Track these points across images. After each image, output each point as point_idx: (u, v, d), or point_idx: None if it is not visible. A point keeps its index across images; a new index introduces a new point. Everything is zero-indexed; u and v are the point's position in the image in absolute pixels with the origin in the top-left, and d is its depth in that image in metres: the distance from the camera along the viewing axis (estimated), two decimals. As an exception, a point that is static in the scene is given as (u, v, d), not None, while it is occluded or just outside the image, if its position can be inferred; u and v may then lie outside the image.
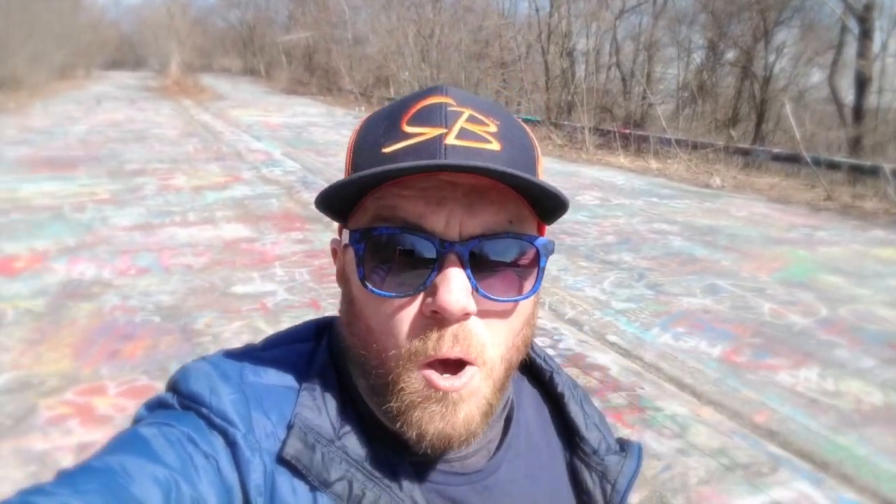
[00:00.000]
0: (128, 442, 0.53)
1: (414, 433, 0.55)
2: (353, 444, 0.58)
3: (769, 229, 7.96)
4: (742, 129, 18.26)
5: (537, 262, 0.58)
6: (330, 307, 4.76)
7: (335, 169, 10.87)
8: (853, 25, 15.15)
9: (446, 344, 0.54)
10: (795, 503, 2.80)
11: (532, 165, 0.60)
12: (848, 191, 10.39)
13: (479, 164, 0.52)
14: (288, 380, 0.62)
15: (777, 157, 13.11)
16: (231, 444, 0.55)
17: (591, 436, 0.73)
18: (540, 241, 0.58)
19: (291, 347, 0.66)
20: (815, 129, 17.26)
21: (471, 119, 0.57)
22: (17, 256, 5.80)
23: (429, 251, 0.55)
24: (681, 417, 3.45)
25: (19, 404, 3.40)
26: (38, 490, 0.46)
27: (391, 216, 0.56)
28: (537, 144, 0.63)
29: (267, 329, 4.38)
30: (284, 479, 0.55)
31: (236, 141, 14.39)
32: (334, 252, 0.67)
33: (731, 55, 18.30)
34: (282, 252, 6.17)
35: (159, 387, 3.12)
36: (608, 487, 0.71)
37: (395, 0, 28.42)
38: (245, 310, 4.76)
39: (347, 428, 0.59)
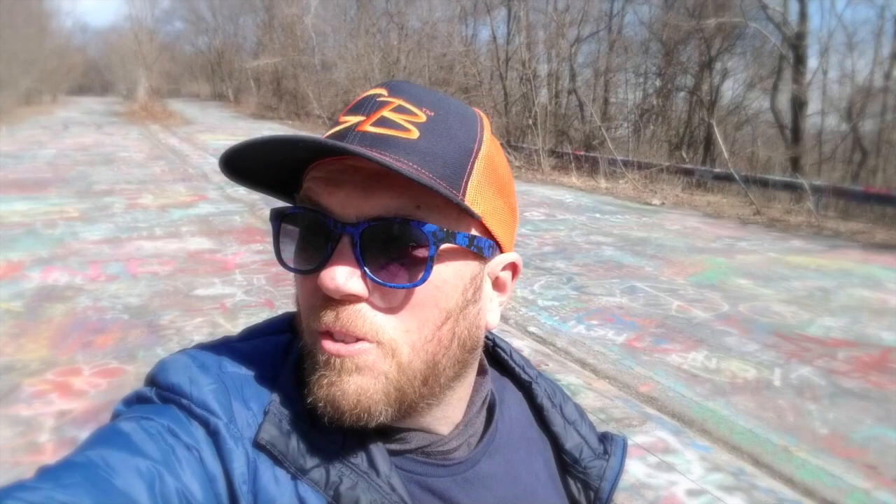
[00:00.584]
0: (108, 437, 0.53)
1: (310, 398, 0.57)
2: (328, 432, 0.59)
3: (696, 240, 8.73)
4: (693, 150, 19.27)
5: (428, 251, 0.57)
6: (284, 306, 5.34)
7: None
8: (788, 52, 16.22)
9: (327, 318, 0.56)
10: (651, 445, 3.46)
11: (460, 161, 0.59)
12: (778, 206, 11.27)
13: (340, 144, 0.53)
14: (266, 370, 0.63)
15: (717, 177, 13.99)
16: (213, 434, 0.56)
17: (571, 445, 0.74)
18: (430, 227, 0.56)
19: (267, 339, 0.67)
20: (765, 151, 18.36)
21: (398, 109, 0.59)
22: (2, 255, 6.30)
23: (325, 231, 0.56)
24: (574, 386, 4.11)
25: (5, 383, 3.94)
26: (20, 486, 0.46)
27: (304, 196, 0.59)
28: (484, 147, 0.62)
29: (225, 324, 4.96)
30: (266, 468, 0.56)
31: (203, 163, 14.92)
32: None
33: (680, 81, 19.31)
34: (242, 261, 6.76)
35: (129, 369, 3.77)
36: (591, 494, 0.74)
37: (361, 27, 29.34)
38: (206, 308, 5.33)
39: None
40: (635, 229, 9.33)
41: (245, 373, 0.62)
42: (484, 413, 0.70)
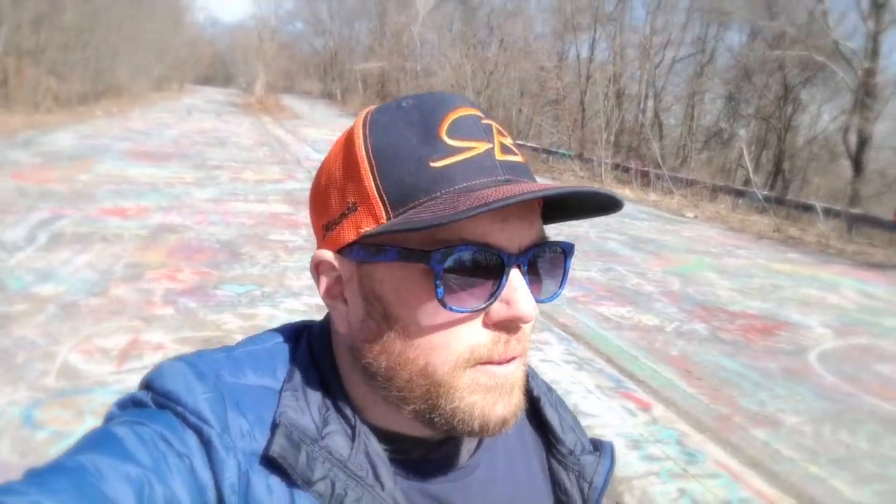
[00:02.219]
0: (99, 441, 0.54)
1: (477, 424, 0.60)
2: (335, 443, 0.61)
3: (698, 245, 10.19)
4: (765, 175, 20.21)
5: (564, 264, 0.65)
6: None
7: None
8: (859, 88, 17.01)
9: (512, 348, 0.60)
10: (535, 341, 5.20)
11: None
12: (799, 226, 12.43)
13: (570, 189, 0.58)
14: (266, 380, 0.64)
15: (767, 199, 15.13)
16: (205, 443, 0.57)
17: (566, 437, 0.78)
18: (566, 244, 0.64)
19: (269, 348, 0.69)
20: (828, 180, 19.10)
21: (499, 132, 0.62)
22: (128, 208, 8.68)
23: (496, 265, 0.58)
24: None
25: (135, 272, 6.12)
26: (7, 489, 0.47)
27: (462, 236, 0.58)
28: None
29: (287, 259, 7.01)
30: (259, 478, 0.58)
31: (299, 151, 17.42)
32: (318, 266, 0.66)
33: (753, 108, 20.30)
34: (308, 222, 8.86)
35: (214, 273, 5.97)
36: (585, 486, 0.77)
37: (462, 38, 31.59)
38: (274, 247, 7.44)
39: (330, 428, 0.62)
40: (651, 233, 10.85)
41: (243, 382, 0.63)
42: None
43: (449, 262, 0.57)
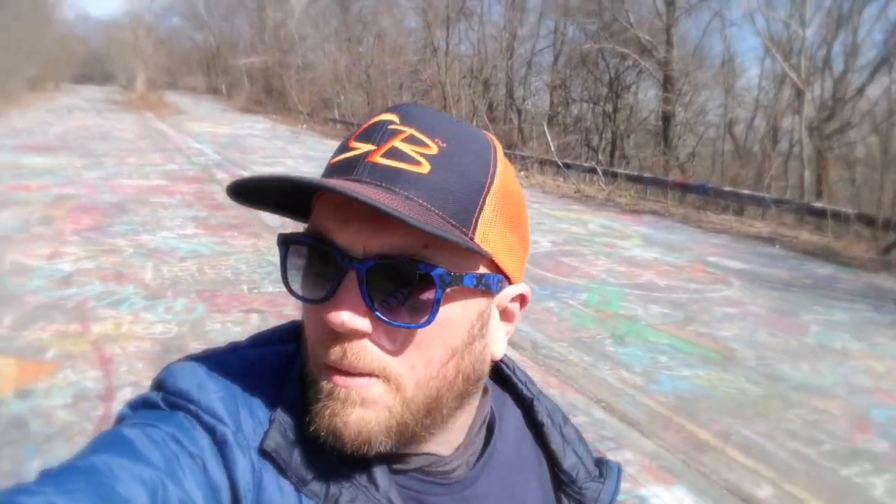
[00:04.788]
0: (111, 443, 0.55)
1: (312, 427, 0.60)
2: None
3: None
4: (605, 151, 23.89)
5: (434, 293, 0.58)
6: (191, 215, 9.97)
7: (251, 162, 16.12)
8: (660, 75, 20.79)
9: (335, 354, 0.58)
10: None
11: (471, 198, 0.61)
12: (595, 187, 15.87)
13: (338, 188, 0.54)
14: (273, 379, 0.66)
15: (567, 166, 18.57)
16: (219, 442, 0.58)
17: (568, 465, 0.78)
18: (437, 271, 0.58)
19: (274, 348, 0.70)
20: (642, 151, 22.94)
21: (409, 139, 0.60)
22: (30, 185, 10.97)
23: (332, 264, 0.58)
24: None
25: (46, 220, 8.54)
26: (22, 489, 0.48)
27: (312, 226, 0.61)
28: (497, 180, 0.64)
29: (162, 211, 9.54)
30: (271, 477, 0.59)
31: (181, 142, 19.68)
32: None
33: (588, 93, 23.94)
34: (183, 191, 11.40)
35: (106, 220, 8.62)
36: None
37: (337, 32, 34.18)
38: (153, 206, 9.95)
39: None
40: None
41: (252, 381, 0.64)
42: (483, 432, 0.73)
43: (291, 247, 0.62)
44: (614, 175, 17.24)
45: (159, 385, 0.63)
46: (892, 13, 16.75)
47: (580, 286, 7.43)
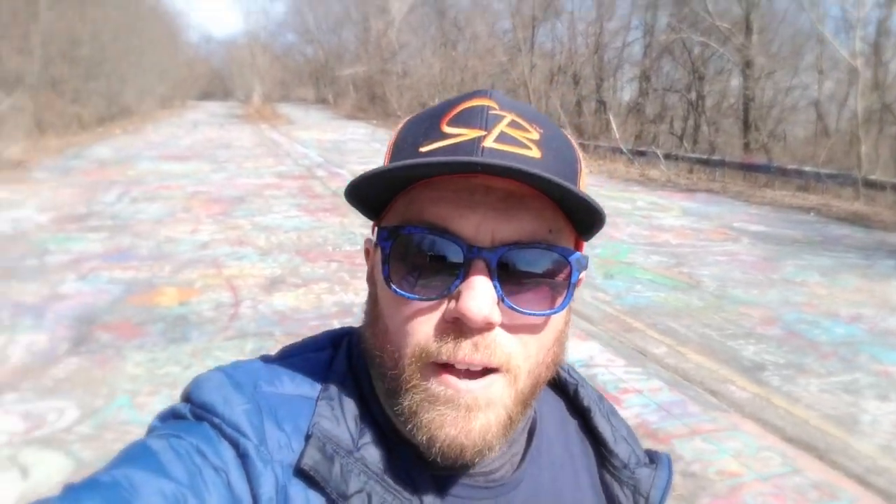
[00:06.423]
0: (136, 455, 0.56)
1: (424, 437, 0.58)
2: (372, 455, 0.61)
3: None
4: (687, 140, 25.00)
5: (569, 277, 0.60)
6: (290, 206, 12.39)
7: (348, 162, 18.64)
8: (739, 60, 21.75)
9: (463, 351, 0.57)
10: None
11: (573, 178, 0.62)
12: (659, 171, 17.30)
13: (517, 165, 0.53)
14: (304, 389, 0.65)
15: (632, 152, 19.95)
16: (242, 456, 0.58)
17: (619, 449, 0.77)
18: (574, 255, 0.60)
19: (307, 357, 0.70)
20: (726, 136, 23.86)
21: (512, 124, 0.60)
22: (171, 185, 13.75)
23: (455, 255, 0.57)
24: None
25: (186, 209, 11.16)
26: None
27: (418, 218, 0.59)
28: (581, 159, 0.66)
29: (273, 201, 11.98)
30: (298, 491, 0.58)
31: (290, 148, 22.56)
32: (367, 252, 0.70)
33: (671, 83, 25.10)
34: (290, 186, 13.90)
35: (231, 208, 11.28)
36: (641, 501, 0.76)
37: (434, 38, 36.63)
38: (266, 197, 12.43)
39: (367, 438, 0.62)
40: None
41: (281, 392, 0.64)
42: (527, 430, 0.72)
43: (398, 241, 0.59)
44: (684, 159, 18.58)
45: (187, 397, 0.64)
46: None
47: (598, 244, 9.19)
